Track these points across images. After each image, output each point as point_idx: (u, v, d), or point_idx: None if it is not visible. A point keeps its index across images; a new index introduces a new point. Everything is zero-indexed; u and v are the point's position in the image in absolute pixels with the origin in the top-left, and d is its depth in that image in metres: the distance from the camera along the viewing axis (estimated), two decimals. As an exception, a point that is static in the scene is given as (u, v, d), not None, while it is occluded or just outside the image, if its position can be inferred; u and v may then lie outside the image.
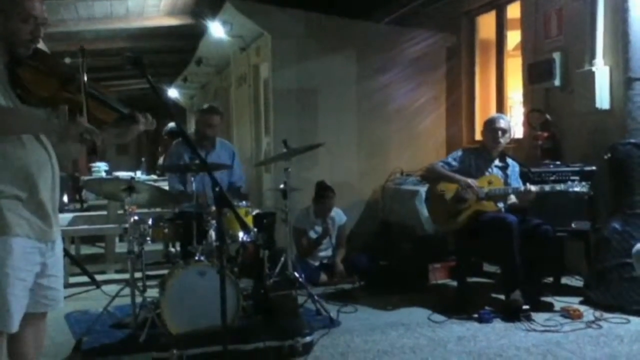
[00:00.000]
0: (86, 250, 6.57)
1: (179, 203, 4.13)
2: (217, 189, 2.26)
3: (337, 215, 5.32)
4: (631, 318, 3.78)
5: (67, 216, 6.21)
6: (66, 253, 4.86)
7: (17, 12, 2.05)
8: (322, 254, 5.24)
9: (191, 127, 14.73)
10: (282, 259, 4.34)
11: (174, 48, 9.90)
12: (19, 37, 2.08)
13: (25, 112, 2.12)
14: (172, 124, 7.02)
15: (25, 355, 2.26)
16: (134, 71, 2.27)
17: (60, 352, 3.41)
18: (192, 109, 15.22)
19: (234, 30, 7.12)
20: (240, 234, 3.81)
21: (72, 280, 5.04)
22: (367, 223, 6.15)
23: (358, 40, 6.34)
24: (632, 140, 4.30)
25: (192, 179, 3.84)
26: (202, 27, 7.53)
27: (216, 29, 7.19)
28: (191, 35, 8.44)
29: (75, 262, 5.09)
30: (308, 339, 3.29)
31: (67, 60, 2.50)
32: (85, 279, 4.90)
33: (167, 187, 4.58)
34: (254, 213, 4.17)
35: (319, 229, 5.18)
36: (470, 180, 4.20)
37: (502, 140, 4.30)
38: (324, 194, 5.15)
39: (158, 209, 5.49)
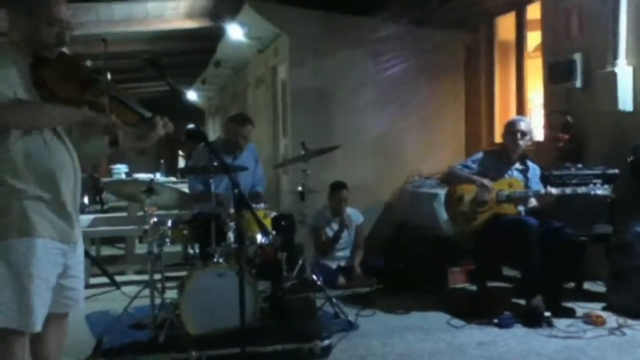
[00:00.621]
0: (106, 251, 6.64)
1: (199, 203, 4.15)
2: (236, 190, 2.26)
3: (354, 214, 5.32)
4: (655, 324, 3.72)
5: (87, 217, 6.28)
6: (86, 254, 4.91)
7: (44, 15, 2.09)
8: (340, 253, 5.23)
9: (209, 129, 14.83)
10: (300, 261, 4.34)
11: (193, 50, 9.97)
12: (44, 40, 2.11)
13: (55, 105, 2.15)
14: (190, 126, 7.06)
15: (47, 355, 2.29)
16: (153, 73, 2.29)
17: (81, 351, 3.44)
18: (210, 111, 15.33)
19: (252, 32, 7.15)
20: (259, 236, 3.82)
21: (93, 281, 5.09)
22: (385, 225, 6.12)
23: (376, 40, 6.32)
24: (656, 143, 4.23)
25: (211, 181, 3.86)
26: (220, 29, 7.57)
27: (234, 31, 7.23)
28: (210, 37, 8.50)
29: (96, 263, 5.14)
30: (326, 342, 3.28)
31: (88, 62, 2.53)
32: (105, 279, 4.95)
33: (186, 189, 4.60)
34: (272, 215, 4.17)
35: (335, 226, 5.19)
36: (485, 181, 4.16)
37: (521, 143, 4.25)
38: (337, 189, 5.18)
39: (176, 211, 5.52)
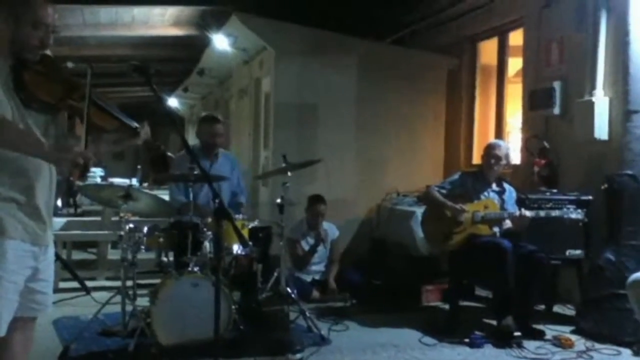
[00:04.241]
0: (78, 255, 6.52)
1: (180, 214, 4.09)
2: (217, 200, 2.25)
3: (330, 229, 5.33)
4: (622, 350, 3.77)
5: (60, 220, 6.17)
6: (57, 257, 4.80)
7: (29, 18, 2.07)
8: (315, 267, 5.23)
9: (190, 138, 14.75)
10: (276, 273, 4.32)
11: (177, 58, 9.94)
12: (28, 42, 2.09)
13: (22, 130, 2.09)
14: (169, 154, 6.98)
15: (13, 360, 2.24)
16: (137, 79, 2.28)
17: (47, 358, 3.36)
18: (191, 119, 15.25)
19: (238, 43, 7.16)
20: (235, 247, 3.80)
21: (62, 285, 4.99)
22: (362, 241, 6.13)
23: (360, 59, 6.38)
24: (629, 172, 4.32)
25: (190, 189, 3.83)
26: (206, 38, 7.57)
27: (220, 41, 7.23)
28: (195, 46, 8.48)
29: (67, 267, 5.02)
30: (298, 356, 3.28)
31: (70, 64, 2.51)
32: (75, 284, 4.84)
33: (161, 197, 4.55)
34: (250, 226, 4.15)
35: (311, 240, 5.20)
36: (459, 206, 4.20)
37: (495, 168, 4.34)
38: (315, 203, 5.20)
39: (153, 219, 5.46)
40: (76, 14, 7.15)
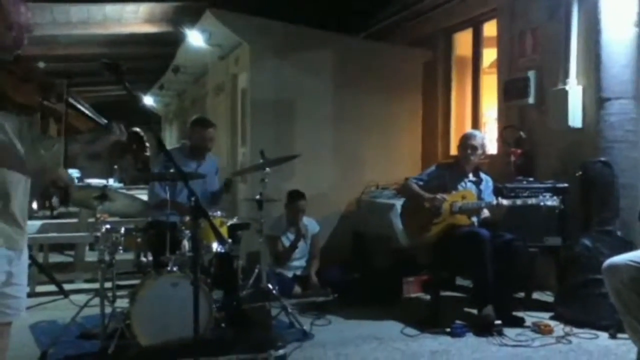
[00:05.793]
0: (55, 258, 6.42)
1: (158, 210, 4.04)
2: (193, 199, 2.23)
3: (310, 224, 5.33)
4: (600, 333, 3.84)
5: (36, 223, 6.07)
6: (34, 261, 4.73)
7: (2, 18, 2.02)
8: (296, 263, 5.23)
9: (166, 136, 14.62)
10: (256, 270, 4.31)
11: (151, 55, 9.82)
12: (2, 42, 2.04)
13: None
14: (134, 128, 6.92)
15: (-13, 367, 2.19)
16: (110, 77, 2.25)
17: (25, 363, 3.31)
18: (167, 117, 15.11)
19: (212, 39, 7.10)
20: (214, 245, 3.77)
21: (40, 289, 4.92)
22: (342, 235, 6.14)
23: (337, 53, 6.38)
24: (603, 159, 4.39)
25: (167, 188, 3.80)
26: (180, 35, 7.49)
27: (195, 38, 7.16)
28: (169, 43, 8.39)
29: (43, 271, 4.96)
30: (281, 352, 3.27)
31: (42, 64, 2.46)
32: (53, 288, 4.78)
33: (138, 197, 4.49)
34: (229, 223, 4.12)
35: (291, 236, 5.19)
36: (439, 196, 4.22)
37: (472, 158, 4.36)
38: (295, 198, 5.18)
39: (130, 219, 5.39)
40: (45, 13, 7.02)
